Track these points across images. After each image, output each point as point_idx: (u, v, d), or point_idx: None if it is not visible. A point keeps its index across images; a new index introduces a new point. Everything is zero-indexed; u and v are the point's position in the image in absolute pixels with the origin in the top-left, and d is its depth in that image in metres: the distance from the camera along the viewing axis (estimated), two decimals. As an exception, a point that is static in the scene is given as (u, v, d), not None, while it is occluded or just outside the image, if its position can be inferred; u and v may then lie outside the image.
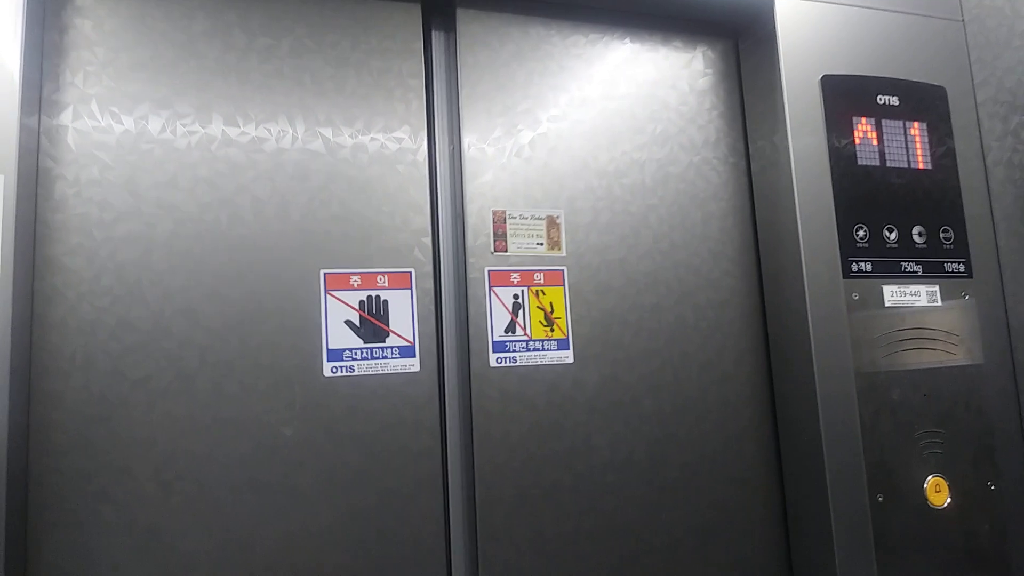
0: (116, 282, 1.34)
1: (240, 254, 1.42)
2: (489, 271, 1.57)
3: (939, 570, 1.58)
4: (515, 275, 1.58)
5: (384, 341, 1.47)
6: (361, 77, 1.54)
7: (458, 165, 1.60)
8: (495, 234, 1.58)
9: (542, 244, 1.62)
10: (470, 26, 1.64)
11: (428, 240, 1.54)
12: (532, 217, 1.62)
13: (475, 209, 1.58)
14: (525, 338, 1.57)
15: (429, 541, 1.46)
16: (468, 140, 1.60)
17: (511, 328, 1.57)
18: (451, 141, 1.63)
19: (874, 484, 1.57)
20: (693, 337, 1.70)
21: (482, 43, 1.65)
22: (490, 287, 1.56)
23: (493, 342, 1.55)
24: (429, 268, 1.53)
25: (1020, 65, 1.70)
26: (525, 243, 1.61)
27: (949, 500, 1.62)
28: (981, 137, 1.80)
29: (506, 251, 1.59)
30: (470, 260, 1.56)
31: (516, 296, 1.58)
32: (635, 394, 1.64)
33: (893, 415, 1.61)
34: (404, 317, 1.49)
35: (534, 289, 1.59)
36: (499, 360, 1.55)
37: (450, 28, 1.66)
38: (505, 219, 1.60)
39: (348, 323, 1.46)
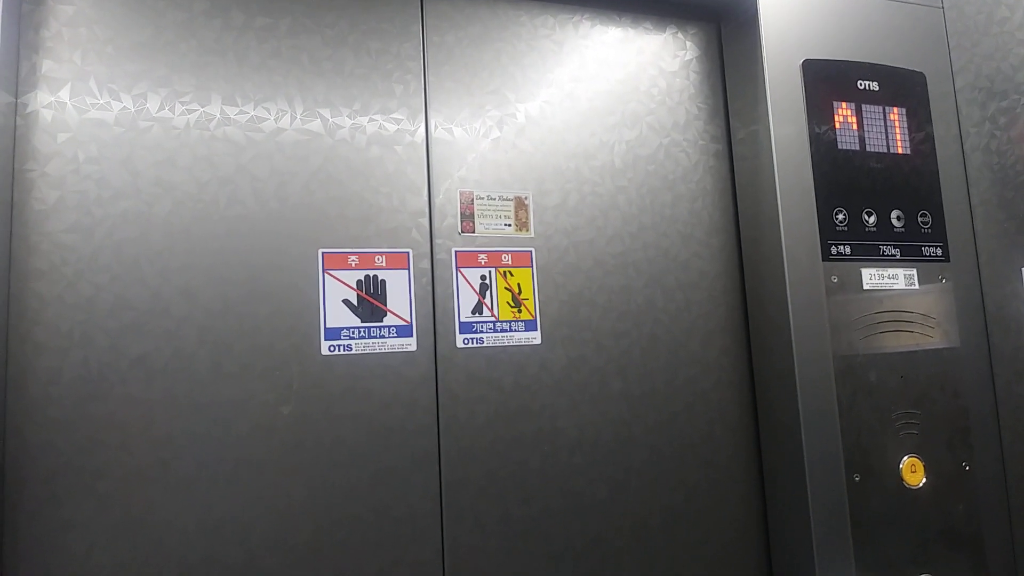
0: (114, 260, 1.34)
1: (238, 233, 1.42)
2: (456, 252, 1.57)
3: (914, 549, 1.61)
4: (482, 256, 1.59)
5: (381, 320, 1.48)
6: (359, 58, 1.55)
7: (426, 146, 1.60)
8: (462, 215, 1.58)
9: (510, 225, 1.62)
10: (437, 5, 1.64)
11: (425, 221, 1.54)
12: (500, 198, 1.62)
13: (442, 190, 1.58)
14: (492, 319, 1.57)
15: (425, 518, 1.47)
16: (435, 121, 1.60)
17: (478, 309, 1.57)
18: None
19: (851, 464, 1.59)
20: (662, 319, 1.72)
21: (449, 22, 1.65)
22: (457, 268, 1.56)
23: (460, 323, 1.55)
24: (426, 248, 1.54)
25: (998, 52, 1.74)
26: (493, 224, 1.61)
27: (924, 480, 1.64)
28: (959, 123, 1.83)
29: (473, 232, 1.59)
30: (436, 241, 1.56)
31: (483, 277, 1.58)
32: (603, 375, 1.65)
33: (870, 397, 1.63)
34: (401, 297, 1.50)
35: (502, 270, 1.59)
36: (466, 341, 1.55)
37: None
38: (472, 200, 1.60)
39: (346, 302, 1.46)
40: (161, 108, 1.40)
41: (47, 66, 1.35)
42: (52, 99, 1.34)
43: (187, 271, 1.38)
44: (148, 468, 1.32)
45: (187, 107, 1.42)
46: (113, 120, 1.37)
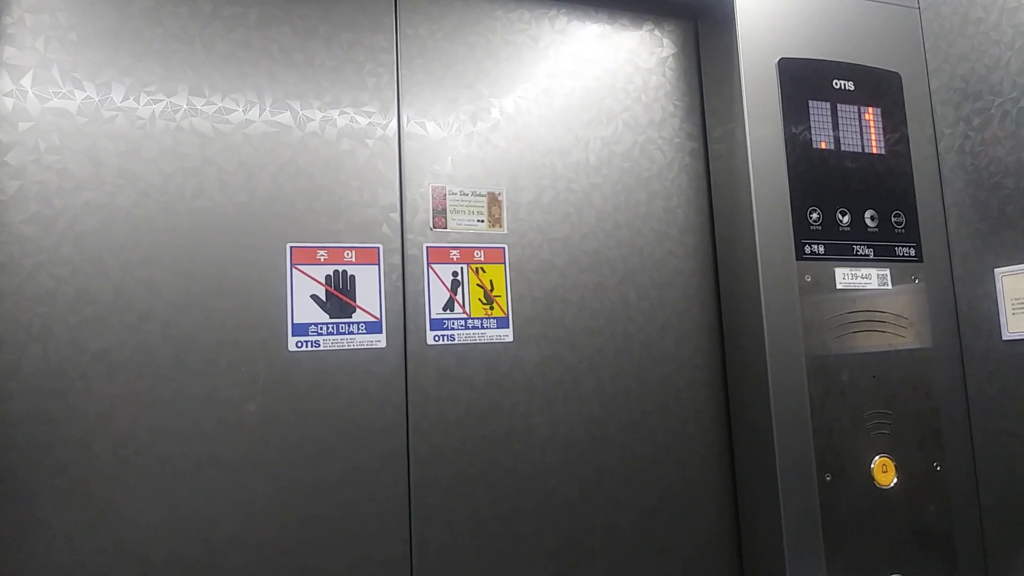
0: (75, 252, 1.31)
1: (204, 226, 1.39)
2: (427, 247, 1.55)
3: (885, 549, 1.61)
4: (454, 252, 1.57)
5: (350, 316, 1.46)
6: (331, 49, 1.53)
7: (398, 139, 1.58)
8: (434, 210, 1.57)
9: (483, 221, 1.60)
10: (410, -3, 1.63)
11: (396, 216, 1.52)
12: (473, 193, 1.60)
13: (414, 184, 1.56)
14: (464, 316, 1.56)
15: (393, 517, 1.45)
16: (407, 114, 1.58)
17: (449, 306, 1.55)
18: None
19: (822, 464, 1.59)
20: (635, 317, 1.70)
21: (423, 14, 1.63)
22: (428, 264, 1.55)
23: (431, 320, 1.53)
24: (397, 244, 1.52)
25: (973, 52, 1.74)
26: (465, 220, 1.59)
27: (895, 480, 1.64)
28: (934, 124, 1.83)
29: (446, 227, 1.57)
30: (408, 236, 1.54)
31: (455, 273, 1.56)
32: (576, 374, 1.63)
33: (842, 397, 1.63)
34: (371, 293, 1.48)
35: (474, 266, 1.58)
36: (436, 338, 1.53)
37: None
38: (445, 195, 1.58)
39: (314, 298, 1.44)
40: (126, 98, 1.37)
41: (8, 53, 1.32)
42: (13, 87, 1.31)
43: (151, 264, 1.35)
44: (109, 465, 1.29)
45: (152, 97, 1.39)
46: (76, 109, 1.34)
